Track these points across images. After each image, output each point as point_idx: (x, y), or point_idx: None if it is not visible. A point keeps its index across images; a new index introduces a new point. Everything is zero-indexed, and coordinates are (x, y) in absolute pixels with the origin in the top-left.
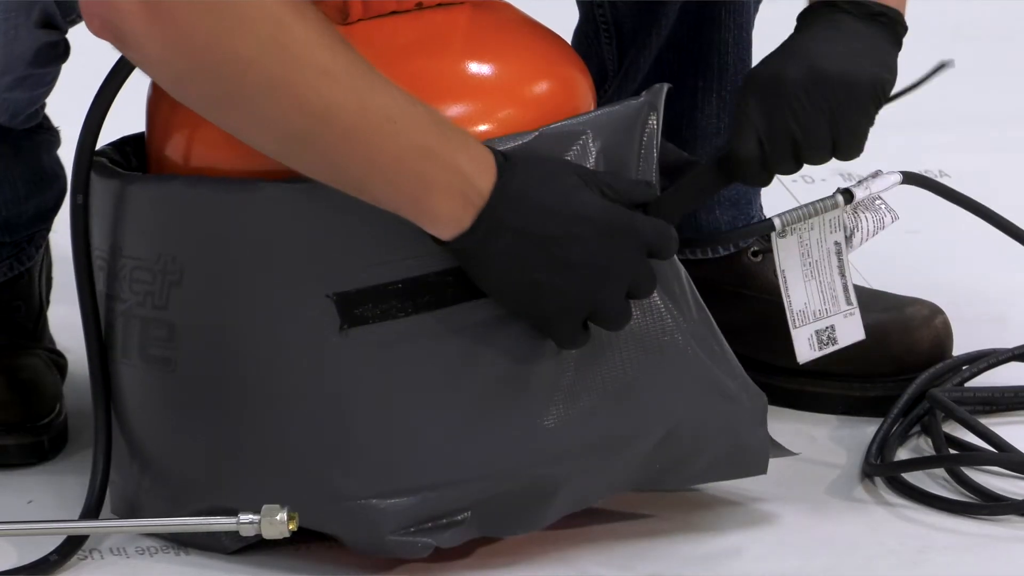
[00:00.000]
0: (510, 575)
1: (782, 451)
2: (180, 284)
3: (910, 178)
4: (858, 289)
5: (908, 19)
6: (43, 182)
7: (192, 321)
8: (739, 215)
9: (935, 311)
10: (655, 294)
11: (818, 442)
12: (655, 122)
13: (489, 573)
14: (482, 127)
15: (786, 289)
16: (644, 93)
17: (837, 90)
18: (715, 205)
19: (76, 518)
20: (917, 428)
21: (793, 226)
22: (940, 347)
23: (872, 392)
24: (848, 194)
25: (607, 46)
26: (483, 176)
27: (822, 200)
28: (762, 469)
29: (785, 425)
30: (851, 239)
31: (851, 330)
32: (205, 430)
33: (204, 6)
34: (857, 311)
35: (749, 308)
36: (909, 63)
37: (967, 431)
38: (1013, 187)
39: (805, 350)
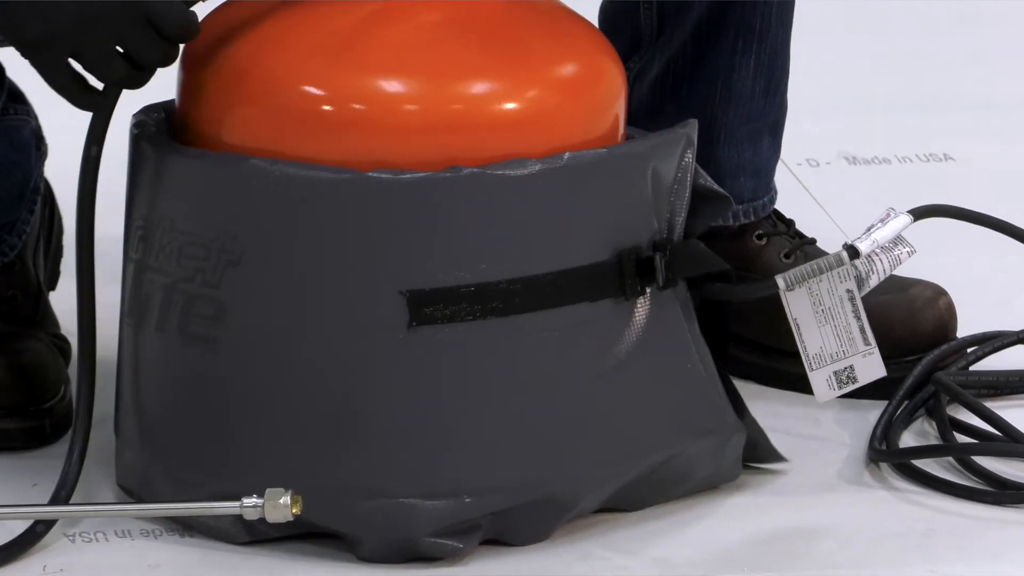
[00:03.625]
0: (515, 559)
1: (775, 456)
2: (238, 264)
3: (922, 213)
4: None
5: (914, 6)
6: None
7: (245, 303)
8: (759, 185)
9: (939, 292)
10: (683, 325)
11: (823, 425)
12: (691, 157)
13: (494, 557)
14: (509, 105)
15: (800, 335)
16: (680, 126)
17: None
18: (740, 172)
19: (78, 501)
20: (922, 411)
21: (800, 282)
22: (944, 328)
23: None
24: (853, 250)
25: (646, 12)
26: None
27: (827, 258)
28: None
29: (790, 409)
30: (867, 281)
31: (871, 368)
32: (237, 413)
33: None
34: (876, 350)
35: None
36: (914, 53)
37: (972, 415)
38: (1019, 173)
39: (824, 391)
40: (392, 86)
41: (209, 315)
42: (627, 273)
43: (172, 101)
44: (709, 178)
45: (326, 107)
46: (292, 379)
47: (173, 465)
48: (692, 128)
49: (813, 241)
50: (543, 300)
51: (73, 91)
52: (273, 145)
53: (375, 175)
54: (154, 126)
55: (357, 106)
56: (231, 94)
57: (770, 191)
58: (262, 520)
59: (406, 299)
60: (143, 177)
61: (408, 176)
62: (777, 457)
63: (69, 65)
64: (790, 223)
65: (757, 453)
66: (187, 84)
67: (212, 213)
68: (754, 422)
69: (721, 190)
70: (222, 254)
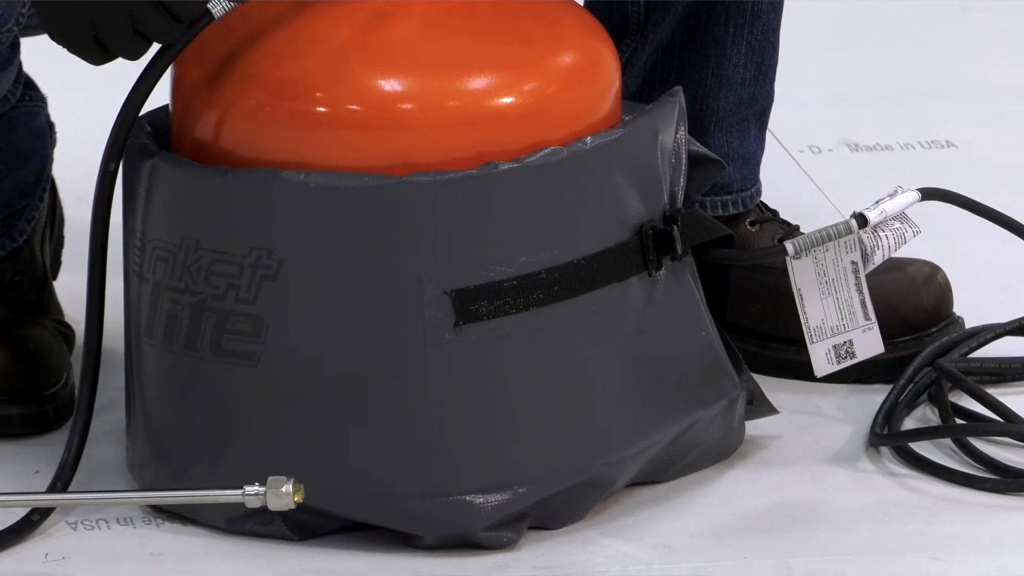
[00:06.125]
0: (517, 547)
1: (770, 410)
2: (275, 278)
3: (929, 194)
4: None
5: None
6: (18, 159)
7: (285, 316)
8: (748, 175)
9: (935, 268)
10: (695, 292)
11: (824, 412)
12: (684, 124)
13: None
14: (506, 99)
15: (802, 306)
16: (669, 95)
17: None
18: (728, 160)
19: (77, 489)
20: (924, 398)
21: (808, 249)
22: (946, 303)
23: (883, 356)
24: (862, 219)
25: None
26: None
27: (836, 225)
28: (729, 454)
29: (791, 396)
30: (872, 257)
31: (869, 344)
32: (282, 425)
33: None
34: (875, 325)
35: (747, 280)
36: (916, 39)
37: (974, 401)
38: (1021, 159)
39: (823, 364)
40: (421, 85)
41: (246, 331)
42: (649, 248)
43: (155, 113)
44: (699, 144)
45: (353, 111)
46: (339, 389)
47: (215, 480)
48: (681, 95)
49: (798, 227)
50: (579, 286)
51: (107, 59)
52: (295, 155)
53: (416, 179)
54: (153, 143)
55: (387, 108)
56: (245, 104)
57: (757, 183)
58: (308, 514)
59: (451, 299)
60: (156, 196)
61: (449, 177)
62: (771, 410)
63: (96, 43)
64: (775, 212)
65: (754, 409)
66: (189, 96)
67: (242, 229)
68: (751, 378)
69: (713, 154)
70: (256, 269)
